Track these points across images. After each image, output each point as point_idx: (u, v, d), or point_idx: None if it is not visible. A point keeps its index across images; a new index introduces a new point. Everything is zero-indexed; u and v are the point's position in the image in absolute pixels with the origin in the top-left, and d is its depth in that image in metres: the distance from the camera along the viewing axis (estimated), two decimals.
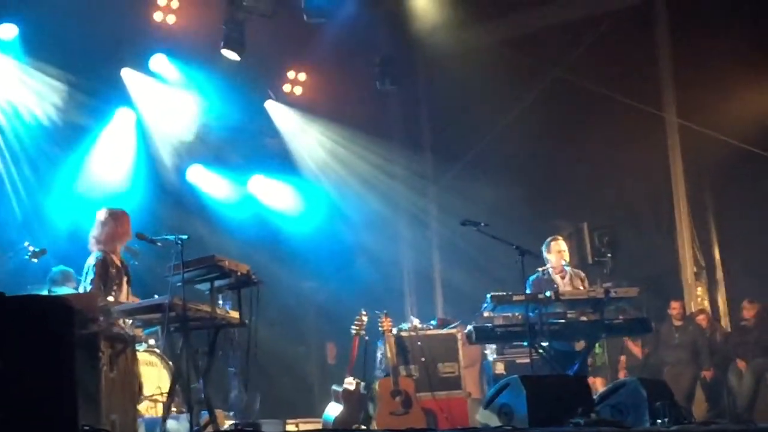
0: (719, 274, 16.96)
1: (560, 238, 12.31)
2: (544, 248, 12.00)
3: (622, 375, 15.09)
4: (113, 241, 9.87)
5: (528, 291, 11.01)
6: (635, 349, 15.71)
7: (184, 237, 8.99)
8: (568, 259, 12.19)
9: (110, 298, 9.60)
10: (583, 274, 12.28)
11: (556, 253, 11.95)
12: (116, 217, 9.99)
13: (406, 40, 17.18)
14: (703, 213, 16.98)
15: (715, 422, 11.56)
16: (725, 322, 16.67)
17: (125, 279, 10.03)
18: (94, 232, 9.97)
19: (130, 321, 9.59)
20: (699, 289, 16.75)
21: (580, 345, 11.40)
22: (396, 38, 17.08)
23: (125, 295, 9.96)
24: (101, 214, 10.04)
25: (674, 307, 15.59)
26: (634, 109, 16.35)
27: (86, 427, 5.79)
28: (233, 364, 11.73)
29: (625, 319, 11.71)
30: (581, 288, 11.79)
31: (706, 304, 16.70)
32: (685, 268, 16.68)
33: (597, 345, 13.96)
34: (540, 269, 11.86)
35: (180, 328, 8.89)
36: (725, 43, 15.41)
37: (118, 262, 9.89)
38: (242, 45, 15.33)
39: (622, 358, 15.66)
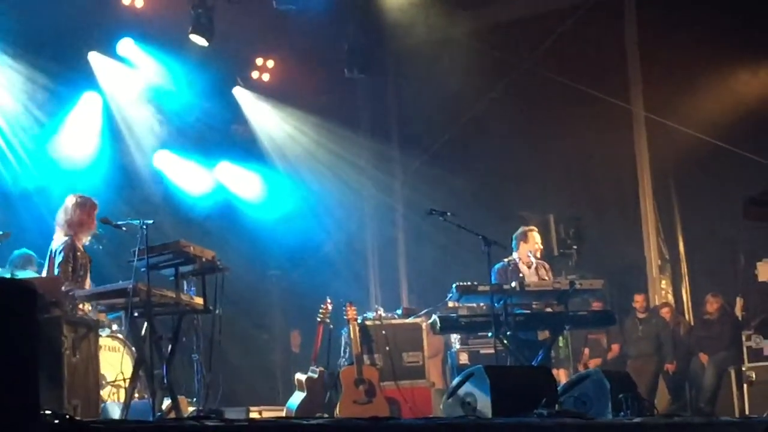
0: (683, 268, 17.04)
1: (535, 229, 12.34)
2: (517, 238, 11.99)
3: (583, 368, 15.16)
4: (80, 227, 9.77)
5: (493, 280, 11.00)
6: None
7: (149, 222, 8.95)
8: (539, 252, 12.23)
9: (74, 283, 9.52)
10: (547, 265, 12.32)
11: (533, 244, 11.98)
12: (85, 205, 9.88)
13: (375, 28, 17.13)
14: (668, 206, 17.04)
15: (677, 415, 11.64)
16: (689, 315, 16.75)
17: (88, 266, 9.95)
18: (63, 216, 9.85)
19: (92, 306, 9.52)
20: (663, 282, 16.83)
21: (543, 335, 11.42)
22: (365, 27, 17.02)
23: (87, 282, 9.88)
24: (70, 200, 9.92)
25: (638, 300, 15.70)
26: (601, 102, 16.40)
27: (47, 412, 5.71)
28: (197, 350, 11.66)
29: (590, 312, 11.76)
30: (546, 279, 11.82)
31: (671, 297, 16.79)
32: (650, 262, 16.76)
33: (560, 337, 13.99)
34: (506, 259, 11.88)
35: (144, 314, 8.85)
36: (693, 37, 15.47)
37: (82, 248, 9.81)
38: (211, 30, 15.23)
39: (586, 350, 15.71)
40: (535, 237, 12.05)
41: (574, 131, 16.44)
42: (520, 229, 12.11)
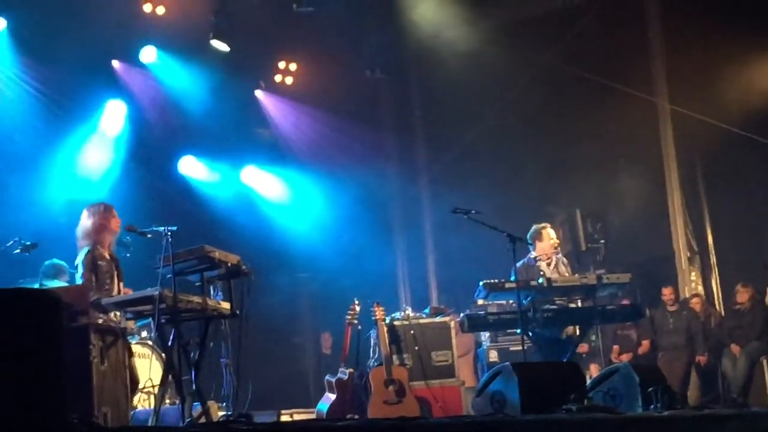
0: (712, 259, 16.95)
1: (549, 225, 12.29)
2: (532, 237, 11.94)
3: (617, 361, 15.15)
4: (98, 234, 9.80)
5: (513, 277, 10.97)
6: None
7: (173, 228, 8.98)
8: (558, 246, 12.21)
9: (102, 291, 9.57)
10: (566, 260, 12.27)
11: (548, 240, 11.94)
12: (97, 211, 9.91)
13: (397, 28, 17.13)
14: (695, 198, 16.96)
15: (708, 407, 11.58)
16: (719, 306, 16.66)
17: (116, 272, 9.98)
18: (80, 230, 9.90)
19: (121, 314, 9.56)
20: (692, 274, 16.74)
21: (568, 331, 11.38)
22: (386, 26, 17.05)
23: (116, 288, 9.91)
24: (84, 212, 9.97)
25: (666, 293, 15.60)
26: (626, 96, 16.31)
27: (75, 420, 5.77)
28: (225, 355, 11.70)
29: (618, 306, 11.71)
30: (566, 274, 11.79)
31: (700, 288, 16.70)
32: (678, 254, 16.68)
33: (591, 332, 13.96)
34: (531, 255, 11.86)
35: (171, 320, 8.88)
36: (717, 27, 15.35)
37: (107, 255, 9.84)
38: (232, 35, 15.30)
39: (615, 347, 15.67)
40: (550, 233, 12.00)
41: (598, 125, 16.38)
42: (533, 228, 12.03)
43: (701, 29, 15.54)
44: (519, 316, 10.72)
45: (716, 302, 16.73)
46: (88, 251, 9.70)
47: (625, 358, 15.30)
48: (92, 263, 9.63)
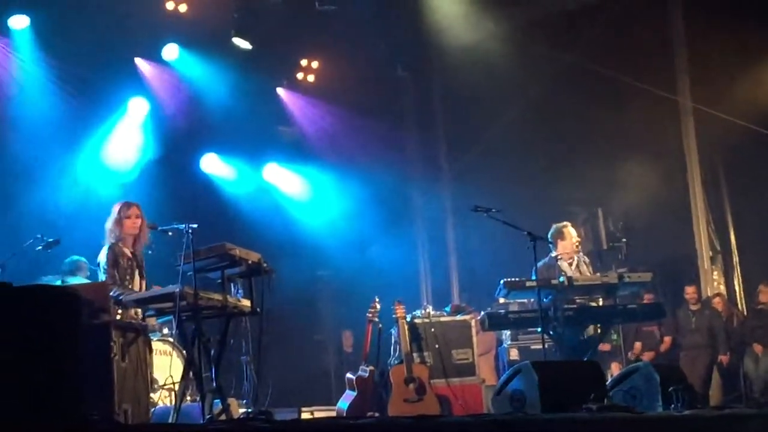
0: (735, 258, 16.88)
1: (569, 224, 12.26)
2: (553, 236, 11.91)
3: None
4: (121, 231, 9.85)
5: (534, 276, 10.97)
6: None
7: (194, 226, 9.00)
8: (579, 245, 12.18)
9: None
10: (587, 259, 12.25)
11: (570, 239, 11.92)
12: (122, 208, 9.97)
13: (419, 25, 17.11)
14: (718, 197, 16.91)
15: (729, 407, 11.55)
16: (742, 306, 16.60)
17: (137, 270, 10.00)
18: (107, 224, 9.96)
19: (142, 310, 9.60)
20: (715, 273, 16.68)
21: (588, 331, 11.36)
22: (408, 24, 17.03)
23: (137, 285, 9.94)
24: (113, 207, 10.03)
25: (689, 292, 15.55)
26: (648, 94, 16.25)
27: (95, 417, 5.79)
28: (246, 352, 11.72)
29: (639, 305, 11.69)
30: (587, 273, 11.77)
31: (723, 288, 16.64)
32: (701, 253, 16.61)
33: (612, 331, 13.92)
34: (552, 254, 11.84)
35: (191, 317, 8.91)
36: (740, 25, 15.29)
37: (129, 253, 9.88)
38: (254, 33, 15.33)
39: (637, 344, 15.62)
40: (571, 232, 11.97)
41: (620, 123, 16.34)
42: (554, 228, 12.00)
43: (724, 26, 15.45)
44: (540, 315, 10.71)
45: (738, 302, 16.67)
46: (111, 247, 9.74)
47: (647, 356, 15.27)
48: (113, 259, 9.67)
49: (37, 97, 14.25)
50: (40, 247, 11.46)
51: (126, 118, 15.42)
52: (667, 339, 15.68)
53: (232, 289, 9.70)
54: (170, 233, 9.37)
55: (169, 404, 10.19)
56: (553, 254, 11.82)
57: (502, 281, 11.04)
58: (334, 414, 12.88)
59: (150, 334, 10.00)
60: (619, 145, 16.55)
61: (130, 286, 9.70)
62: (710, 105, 16.06)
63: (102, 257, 9.73)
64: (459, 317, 13.37)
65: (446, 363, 12.86)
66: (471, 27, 17.14)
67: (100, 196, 13.89)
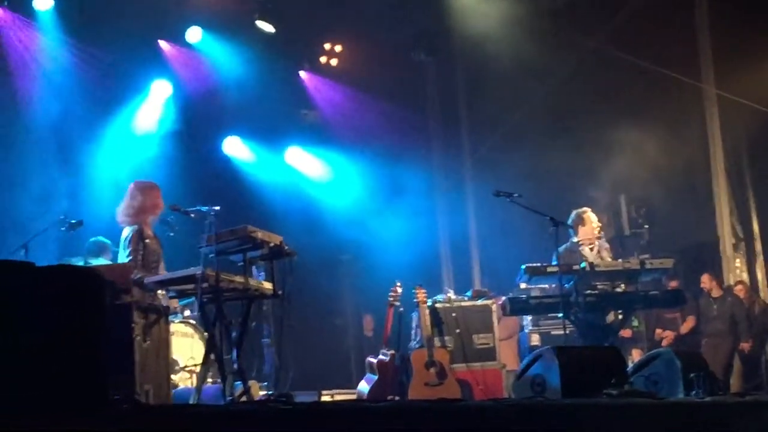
0: (758, 246, 16.80)
1: (590, 209, 12.22)
2: (574, 222, 11.88)
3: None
4: (144, 213, 9.82)
5: (555, 261, 10.96)
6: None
7: (217, 208, 9.01)
8: (600, 230, 12.15)
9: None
10: (607, 245, 12.21)
11: (591, 225, 11.89)
12: (144, 189, 9.92)
13: (442, 11, 17.07)
14: (741, 184, 16.82)
15: (750, 393, 11.51)
16: (764, 293, 16.53)
17: (161, 252, 10.02)
18: (123, 205, 9.88)
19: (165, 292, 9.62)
20: (737, 260, 16.62)
21: (610, 317, 11.34)
22: (431, 9, 16.99)
23: (162, 268, 9.96)
24: (131, 188, 9.94)
25: (704, 281, 15.47)
26: (671, 80, 16.18)
27: (117, 397, 5.82)
28: (267, 335, 11.76)
29: (660, 291, 11.65)
30: (608, 259, 11.74)
31: (745, 275, 16.57)
32: (723, 240, 16.53)
33: (634, 318, 13.89)
34: (573, 239, 11.82)
35: (213, 299, 8.92)
36: (764, 13, 15.21)
37: (152, 235, 9.89)
38: (277, 16, 15.33)
39: (658, 331, 15.59)
40: (591, 217, 11.94)
41: (644, 110, 16.31)
42: (574, 213, 11.96)
43: (748, 13, 15.37)
44: (561, 301, 10.71)
45: (761, 289, 16.60)
46: (138, 228, 9.71)
47: (668, 338, 15.28)
48: (140, 241, 9.66)
49: (60, 79, 14.29)
50: (63, 228, 11.51)
51: (149, 101, 15.46)
52: (690, 318, 15.60)
53: (254, 271, 9.73)
54: (193, 215, 9.38)
55: (190, 386, 10.24)
56: (574, 239, 11.80)
57: (523, 266, 11.01)
58: (354, 397, 12.90)
59: (171, 316, 10.02)
60: (643, 131, 16.45)
61: (155, 267, 9.71)
62: (734, 92, 15.96)
63: (129, 239, 9.69)
64: (480, 302, 13.35)
65: (467, 348, 12.84)
66: (495, 12, 17.08)
67: (121, 177, 13.92)
